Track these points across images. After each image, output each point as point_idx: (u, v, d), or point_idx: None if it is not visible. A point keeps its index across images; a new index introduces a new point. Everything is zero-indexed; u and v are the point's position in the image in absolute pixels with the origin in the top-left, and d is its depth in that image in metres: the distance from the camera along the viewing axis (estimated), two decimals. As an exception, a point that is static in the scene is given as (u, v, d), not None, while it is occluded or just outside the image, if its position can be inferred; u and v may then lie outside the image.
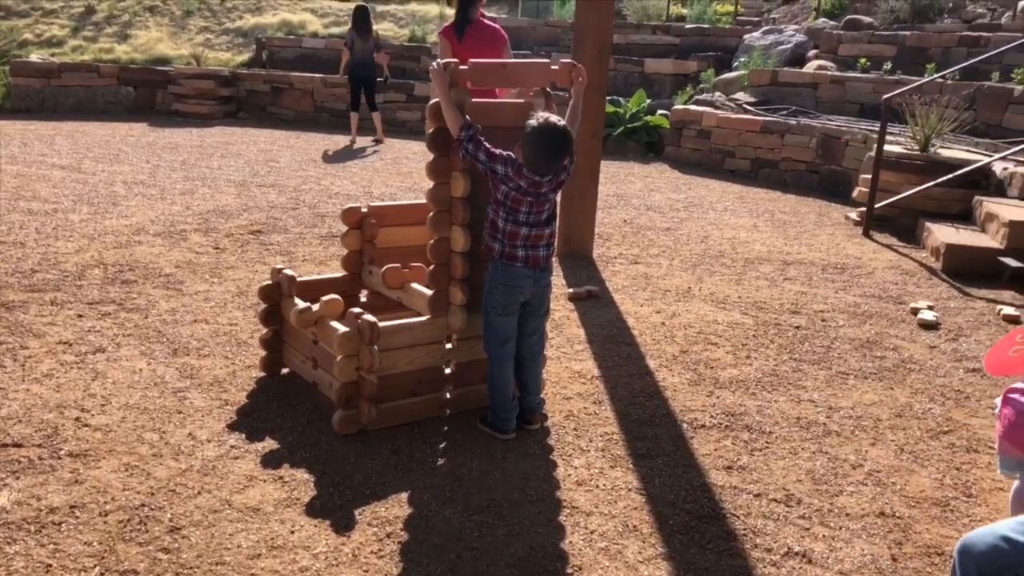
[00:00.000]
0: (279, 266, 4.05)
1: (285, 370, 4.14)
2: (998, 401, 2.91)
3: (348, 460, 3.34)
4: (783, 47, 14.28)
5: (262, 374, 4.10)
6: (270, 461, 3.30)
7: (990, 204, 7.24)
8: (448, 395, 3.77)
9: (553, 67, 3.68)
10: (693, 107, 12.17)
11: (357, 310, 3.53)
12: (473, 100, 3.47)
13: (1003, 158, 8.08)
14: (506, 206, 3.39)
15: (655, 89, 14.44)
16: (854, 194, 9.01)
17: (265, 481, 3.15)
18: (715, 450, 3.58)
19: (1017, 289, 6.18)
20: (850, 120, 10.96)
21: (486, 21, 6.79)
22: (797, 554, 2.87)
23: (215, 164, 9.90)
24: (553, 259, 3.64)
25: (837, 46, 13.46)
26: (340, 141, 12.46)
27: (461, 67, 3.44)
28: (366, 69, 12.03)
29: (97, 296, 5.05)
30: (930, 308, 5.56)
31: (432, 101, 3.47)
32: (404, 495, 3.11)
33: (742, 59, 14.29)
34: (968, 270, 6.53)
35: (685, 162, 11.78)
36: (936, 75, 9.50)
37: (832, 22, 15.49)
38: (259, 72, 15.50)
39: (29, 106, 14.51)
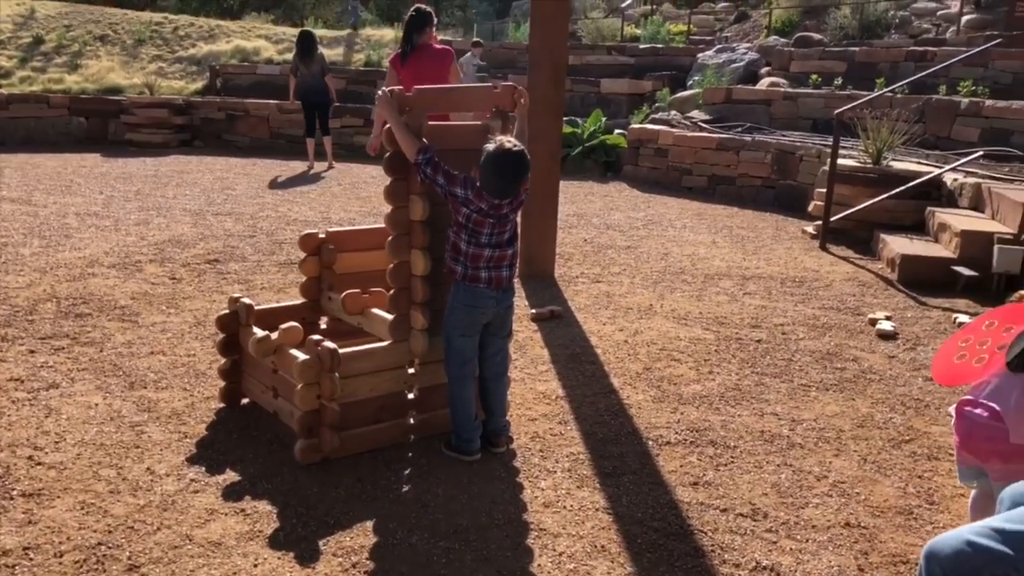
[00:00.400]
0: (236, 295, 3.99)
1: (245, 400, 4.07)
2: (952, 410, 2.95)
3: (311, 490, 3.28)
4: (736, 65, 14.50)
5: (222, 405, 4.02)
6: (231, 494, 3.24)
7: (942, 215, 7.38)
8: (412, 420, 3.73)
9: (495, 91, 3.71)
10: (650, 126, 12.29)
11: (317, 337, 3.49)
12: (430, 123, 3.47)
13: (953, 169, 8.25)
14: (468, 228, 3.38)
15: (612, 109, 14.58)
16: (810, 208, 9.14)
17: (227, 514, 3.09)
18: (681, 466, 3.58)
19: (971, 297, 6.29)
20: (804, 135, 11.14)
21: (436, 46, 6.85)
22: (765, 568, 2.87)
23: (170, 193, 9.78)
24: (515, 280, 3.63)
25: (789, 63, 13.70)
26: (297, 167, 12.39)
27: (407, 94, 3.45)
28: (316, 94, 12.03)
29: (50, 331, 4.94)
30: (888, 318, 5.63)
31: (386, 126, 3.46)
32: (369, 524, 3.07)
33: (696, 77, 14.48)
34: (923, 280, 6.64)
35: (643, 180, 11.88)
36: (886, 89, 9.69)
37: (783, 40, 15.79)
38: (213, 100, 15.40)
39: (-24, 139, 14.26)
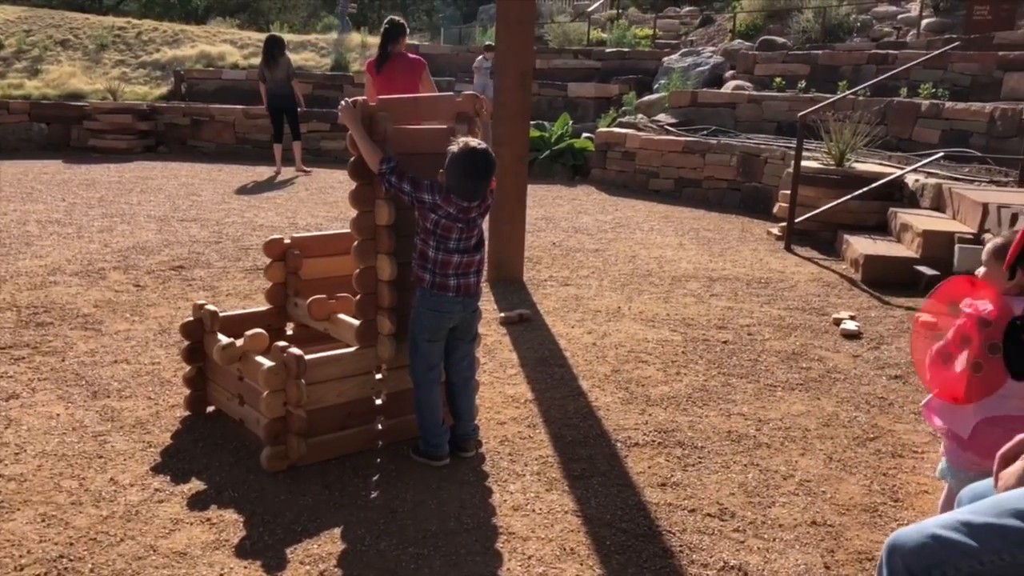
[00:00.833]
0: (201, 302, 3.95)
1: (211, 408, 4.02)
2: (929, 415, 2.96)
3: (278, 498, 3.25)
4: (701, 68, 14.61)
5: (187, 413, 3.98)
6: (197, 503, 3.20)
7: (904, 215, 7.49)
8: (380, 426, 3.71)
9: (457, 99, 3.74)
10: (617, 129, 12.35)
11: (283, 343, 3.46)
12: (394, 127, 3.46)
13: (915, 170, 8.37)
14: (436, 235, 3.37)
15: (579, 112, 14.63)
16: (775, 210, 9.23)
17: (192, 524, 3.05)
18: (649, 467, 3.60)
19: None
20: (768, 138, 11.24)
21: (409, 54, 7.66)
22: (733, 568, 2.89)
23: (134, 200, 9.66)
24: (483, 284, 3.63)
25: (753, 66, 13.82)
26: (264, 173, 12.29)
27: (370, 103, 3.45)
28: (283, 99, 11.97)
29: (10, 340, 4.86)
30: (852, 318, 5.70)
31: (348, 134, 3.46)
32: (337, 531, 3.04)
33: (662, 81, 14.57)
34: (886, 279, 6.72)
35: (611, 184, 11.93)
36: (848, 92, 9.81)
37: (748, 43, 15.93)
38: (178, 105, 15.24)
39: (-66, 146, 14.00)
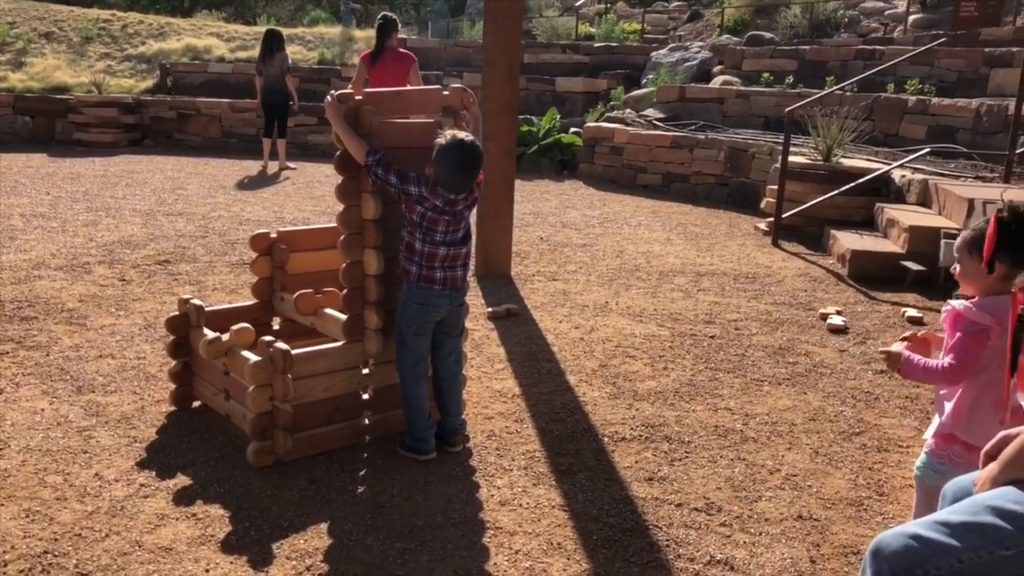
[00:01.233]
0: (187, 296, 3.93)
1: (196, 403, 4.00)
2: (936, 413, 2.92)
3: (264, 493, 3.24)
4: (689, 63, 14.63)
5: (172, 408, 3.96)
6: (182, 498, 3.19)
7: (891, 210, 7.52)
8: (367, 421, 3.70)
9: (445, 93, 3.74)
10: (605, 124, 12.35)
11: (269, 338, 3.44)
12: (381, 120, 3.44)
13: (901, 166, 8.40)
14: (423, 227, 3.36)
15: (567, 107, 14.61)
16: (762, 205, 9.25)
17: (177, 519, 3.04)
18: (636, 462, 3.60)
19: (920, 291, 6.41)
20: (756, 133, 11.27)
21: (401, 50, 8.39)
22: (719, 562, 2.90)
23: (120, 194, 9.60)
24: (469, 278, 3.62)
25: (741, 61, 13.85)
26: (251, 167, 12.24)
27: (356, 97, 3.44)
28: (275, 95, 11.88)
29: (-6, 335, 4.82)
30: (838, 313, 5.72)
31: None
32: (324, 526, 3.04)
33: (650, 76, 14.58)
34: (873, 275, 6.75)
35: (599, 178, 11.93)
36: (835, 87, 9.85)
37: (736, 38, 15.95)
38: (164, 99, 15.14)
39: (-84, 139, 13.87)
